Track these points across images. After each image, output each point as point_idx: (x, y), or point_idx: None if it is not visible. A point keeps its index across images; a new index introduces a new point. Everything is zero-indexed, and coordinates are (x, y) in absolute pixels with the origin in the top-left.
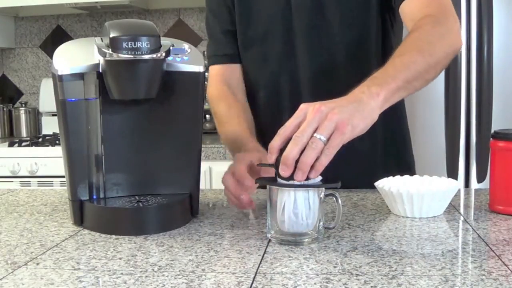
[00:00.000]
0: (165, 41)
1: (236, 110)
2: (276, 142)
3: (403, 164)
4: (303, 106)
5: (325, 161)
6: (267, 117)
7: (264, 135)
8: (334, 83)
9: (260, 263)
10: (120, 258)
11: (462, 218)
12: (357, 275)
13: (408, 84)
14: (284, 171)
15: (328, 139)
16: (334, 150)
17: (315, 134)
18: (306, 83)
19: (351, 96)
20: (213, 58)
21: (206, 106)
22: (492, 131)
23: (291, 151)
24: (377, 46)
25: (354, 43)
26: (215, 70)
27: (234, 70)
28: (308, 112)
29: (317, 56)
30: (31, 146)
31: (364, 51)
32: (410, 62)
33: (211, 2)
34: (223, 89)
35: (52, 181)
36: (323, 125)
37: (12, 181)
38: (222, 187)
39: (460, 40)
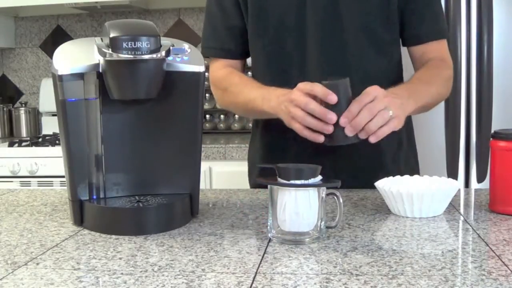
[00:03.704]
0: (165, 41)
1: (247, 79)
2: (354, 109)
3: (409, 168)
4: (370, 90)
5: (387, 131)
6: None
7: (270, 126)
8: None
9: (260, 263)
10: (120, 258)
11: (462, 218)
12: (357, 275)
13: (422, 108)
14: (351, 132)
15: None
16: (396, 126)
17: (386, 108)
18: (315, 78)
19: (400, 97)
20: (216, 51)
21: (206, 106)
22: (492, 131)
23: (364, 117)
24: (389, 46)
25: (366, 41)
26: (219, 62)
27: (237, 65)
28: (378, 95)
29: (328, 51)
30: (31, 146)
31: (375, 49)
32: (433, 93)
33: None
34: (230, 70)
35: (52, 181)
36: (392, 106)
37: (12, 181)
38: (222, 187)
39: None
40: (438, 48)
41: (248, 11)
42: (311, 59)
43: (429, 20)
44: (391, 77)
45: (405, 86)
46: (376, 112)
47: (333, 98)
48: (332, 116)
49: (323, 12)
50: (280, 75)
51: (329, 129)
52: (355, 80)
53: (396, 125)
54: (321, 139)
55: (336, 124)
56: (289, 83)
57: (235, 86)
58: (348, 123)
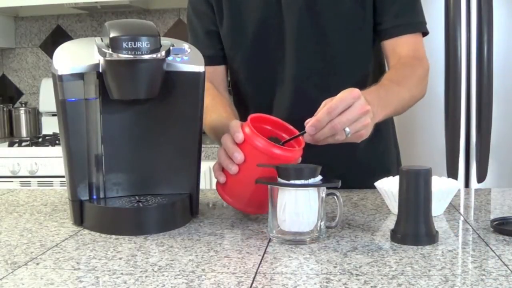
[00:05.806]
0: (165, 41)
1: (220, 100)
2: (323, 117)
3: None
4: (356, 94)
5: (340, 140)
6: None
7: None
8: (322, 85)
9: (260, 263)
10: (120, 258)
11: (462, 218)
12: (357, 275)
13: (391, 114)
14: (312, 132)
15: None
16: (358, 139)
17: (346, 128)
18: (293, 84)
19: (371, 105)
20: None
21: None
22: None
23: (325, 134)
24: (368, 49)
25: (345, 45)
26: None
27: (216, 72)
28: (356, 106)
29: (306, 56)
30: (31, 146)
31: (355, 53)
32: (404, 96)
33: (194, 0)
34: (207, 85)
35: (52, 181)
36: (356, 127)
37: (12, 181)
38: None
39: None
40: (410, 42)
41: (224, 21)
42: (290, 63)
43: (398, 13)
44: (372, 76)
45: (375, 91)
46: (338, 130)
47: (239, 136)
48: (238, 155)
49: (299, 14)
50: (262, 81)
51: (233, 169)
52: (336, 82)
53: (363, 137)
54: (220, 179)
55: None
56: (272, 90)
57: (204, 109)
58: (313, 133)
